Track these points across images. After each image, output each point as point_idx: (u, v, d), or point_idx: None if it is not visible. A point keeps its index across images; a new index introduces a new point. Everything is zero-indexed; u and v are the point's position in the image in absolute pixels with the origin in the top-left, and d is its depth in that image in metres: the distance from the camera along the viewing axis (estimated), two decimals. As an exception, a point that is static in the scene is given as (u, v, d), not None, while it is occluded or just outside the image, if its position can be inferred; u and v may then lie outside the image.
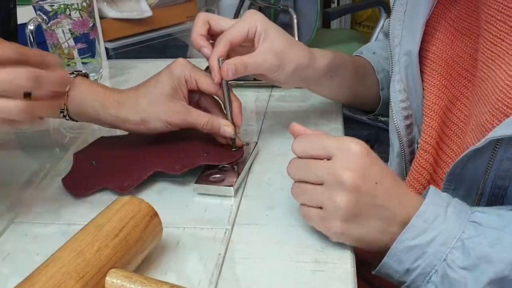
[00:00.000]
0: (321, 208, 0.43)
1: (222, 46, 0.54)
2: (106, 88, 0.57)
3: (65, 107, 0.56)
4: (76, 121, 0.58)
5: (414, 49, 0.54)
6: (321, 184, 0.43)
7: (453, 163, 0.46)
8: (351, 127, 0.69)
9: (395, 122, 0.57)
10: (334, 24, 2.65)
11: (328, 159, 0.43)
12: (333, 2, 2.61)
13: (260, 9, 2.00)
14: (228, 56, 0.55)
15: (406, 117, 0.57)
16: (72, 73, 0.56)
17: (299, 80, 0.60)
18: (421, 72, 0.56)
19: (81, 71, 0.58)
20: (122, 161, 0.57)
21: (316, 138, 0.45)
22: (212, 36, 0.57)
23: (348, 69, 0.65)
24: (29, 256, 0.45)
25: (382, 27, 1.99)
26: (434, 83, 0.54)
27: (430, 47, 0.55)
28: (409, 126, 0.57)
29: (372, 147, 1.90)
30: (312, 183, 0.44)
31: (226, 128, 0.56)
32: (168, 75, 0.55)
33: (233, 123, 0.56)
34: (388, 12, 2.01)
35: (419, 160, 0.56)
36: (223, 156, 0.56)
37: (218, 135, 0.57)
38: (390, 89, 0.58)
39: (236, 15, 2.10)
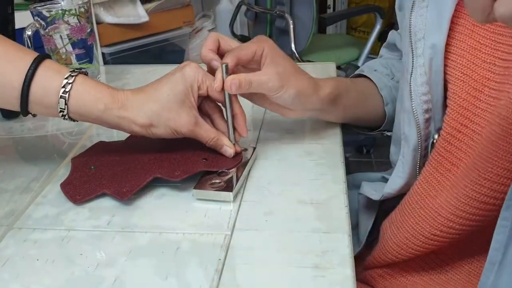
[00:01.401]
0: None
1: (229, 58, 0.56)
2: (110, 88, 0.56)
3: (65, 106, 0.54)
4: (75, 120, 0.56)
5: (439, 42, 0.55)
6: None
7: (481, 148, 0.46)
8: (347, 132, 0.70)
9: (415, 114, 0.57)
10: (330, 29, 2.67)
11: None
12: (329, 8, 2.63)
13: (256, 15, 2.01)
14: (234, 73, 0.56)
15: (426, 111, 0.57)
16: (73, 71, 0.54)
17: (303, 108, 0.61)
18: (444, 65, 0.56)
19: (81, 69, 0.57)
20: (121, 166, 0.57)
21: None
22: (221, 55, 0.59)
23: (351, 94, 0.66)
24: (29, 262, 0.45)
25: (378, 32, 2.01)
26: (455, 73, 0.55)
27: (450, 40, 0.55)
28: (427, 120, 0.58)
29: (368, 151, 1.91)
30: None
31: (228, 149, 0.57)
32: (182, 80, 0.55)
33: (233, 133, 0.58)
34: (384, 17, 2.03)
35: (438, 149, 0.56)
36: (222, 162, 0.57)
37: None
38: (411, 83, 0.57)
39: (233, 20, 2.11)
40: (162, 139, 0.57)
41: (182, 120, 0.55)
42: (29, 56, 0.53)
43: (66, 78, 0.53)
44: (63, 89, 0.53)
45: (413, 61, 0.57)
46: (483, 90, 0.52)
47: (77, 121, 0.56)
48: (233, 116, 0.57)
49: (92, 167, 0.58)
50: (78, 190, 0.54)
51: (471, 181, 0.51)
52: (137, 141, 0.62)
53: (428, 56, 0.56)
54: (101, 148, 0.62)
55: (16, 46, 0.55)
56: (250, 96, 0.61)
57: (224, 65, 0.55)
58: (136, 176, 0.55)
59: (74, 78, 0.54)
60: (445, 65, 0.56)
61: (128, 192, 0.53)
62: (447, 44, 0.56)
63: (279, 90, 0.57)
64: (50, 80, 0.53)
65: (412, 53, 0.58)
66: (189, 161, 0.57)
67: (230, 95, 0.56)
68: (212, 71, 0.57)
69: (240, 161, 0.57)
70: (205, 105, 0.59)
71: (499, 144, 0.48)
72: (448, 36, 0.55)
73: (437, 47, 0.55)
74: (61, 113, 0.54)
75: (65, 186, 0.56)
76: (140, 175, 0.55)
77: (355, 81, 0.71)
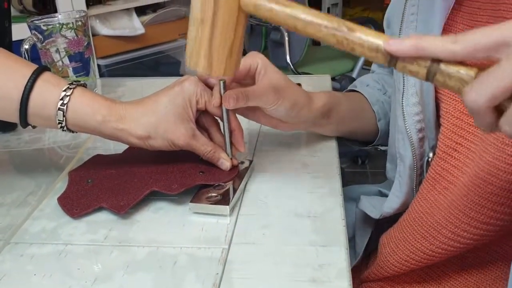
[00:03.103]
0: None
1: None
2: (109, 100, 0.56)
3: (64, 118, 0.54)
4: (73, 131, 0.57)
5: None
6: None
7: (478, 168, 0.46)
8: (342, 143, 0.70)
9: (409, 134, 0.58)
10: (325, 41, 2.68)
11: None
12: (324, 20, 2.64)
13: (252, 27, 2.03)
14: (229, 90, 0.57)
15: (420, 130, 0.58)
16: (72, 83, 0.55)
17: (296, 121, 0.62)
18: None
19: (79, 81, 0.58)
20: (118, 179, 0.58)
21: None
22: None
23: (344, 108, 0.67)
24: (26, 277, 0.45)
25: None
26: (449, 94, 0.55)
27: None
28: (421, 139, 0.58)
29: (363, 162, 1.92)
30: None
31: (224, 162, 0.58)
32: (180, 93, 0.55)
33: (230, 147, 0.58)
34: (378, 30, 2.05)
35: (435, 167, 0.56)
36: (218, 175, 0.57)
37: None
38: (404, 104, 0.58)
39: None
40: (159, 152, 0.57)
41: (179, 132, 0.55)
42: (28, 68, 0.54)
43: (64, 90, 0.54)
44: (61, 101, 0.53)
45: (404, 81, 0.58)
46: None
47: (76, 132, 0.57)
48: (230, 131, 0.58)
49: (89, 181, 0.58)
50: (75, 204, 0.54)
51: (471, 201, 0.51)
52: (134, 154, 0.62)
53: None
54: (98, 162, 0.63)
55: (15, 58, 0.56)
56: (245, 113, 0.61)
57: (221, 82, 0.55)
58: (133, 189, 0.55)
59: (72, 91, 0.54)
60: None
61: (125, 206, 0.53)
62: None
63: (274, 103, 0.58)
64: (49, 92, 0.54)
65: (404, 74, 0.58)
66: (186, 174, 0.57)
67: (227, 110, 0.57)
68: (209, 88, 0.58)
69: (236, 174, 0.57)
70: (203, 119, 0.59)
71: (496, 165, 0.48)
72: None
73: None
74: (60, 124, 0.55)
75: (63, 200, 0.56)
76: (137, 189, 0.55)
77: (348, 96, 0.71)
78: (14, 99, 0.53)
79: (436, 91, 0.56)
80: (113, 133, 0.55)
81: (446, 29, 0.55)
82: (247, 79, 0.59)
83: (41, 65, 0.55)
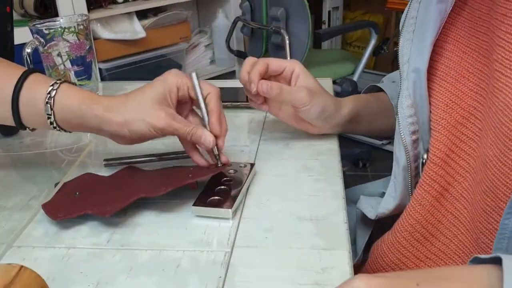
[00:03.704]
0: None
1: (260, 62, 0.63)
2: (93, 93, 0.58)
3: (52, 112, 0.55)
4: (65, 131, 0.58)
5: (422, 66, 0.56)
6: None
7: (471, 177, 0.46)
8: (344, 146, 0.71)
9: (402, 136, 0.58)
10: (325, 44, 2.69)
11: None
12: (324, 23, 2.65)
13: (252, 30, 2.03)
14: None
15: (413, 132, 0.58)
16: (59, 79, 0.57)
17: (326, 124, 0.66)
18: (429, 88, 0.57)
19: (65, 80, 0.58)
20: (106, 192, 0.57)
21: None
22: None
23: (372, 110, 0.70)
24: (28, 281, 0.45)
25: (373, 47, 2.03)
26: (443, 99, 0.56)
27: (438, 66, 0.56)
28: (415, 141, 0.59)
29: (364, 165, 1.93)
30: None
31: (207, 136, 0.56)
32: (161, 82, 0.57)
33: (219, 156, 0.58)
34: (378, 33, 2.05)
35: (428, 172, 0.57)
36: (206, 170, 0.57)
37: (200, 144, 0.57)
38: (398, 105, 0.59)
39: (229, 36, 2.13)
40: (149, 173, 0.57)
41: (160, 115, 0.55)
42: (19, 71, 0.57)
43: (52, 85, 0.56)
44: (49, 95, 0.55)
45: (400, 84, 0.59)
46: (469, 119, 0.53)
47: (66, 131, 0.58)
48: (209, 119, 0.57)
49: (77, 193, 0.57)
50: (60, 210, 0.54)
51: (475, 212, 0.51)
52: (123, 175, 0.61)
53: (411, 80, 0.57)
54: (88, 178, 0.61)
55: (6, 63, 0.59)
56: (279, 114, 0.66)
57: (194, 73, 0.56)
58: (121, 197, 0.54)
59: (59, 85, 0.56)
60: (431, 89, 0.57)
61: (111, 210, 0.52)
62: (435, 69, 0.57)
63: (306, 104, 0.62)
64: (37, 89, 0.56)
65: (400, 76, 0.59)
66: (173, 177, 0.56)
67: (205, 103, 0.57)
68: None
69: (225, 167, 0.58)
70: (191, 119, 0.60)
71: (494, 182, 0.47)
72: (435, 61, 0.57)
73: (420, 71, 0.56)
74: (49, 119, 0.56)
75: (48, 206, 0.55)
76: (124, 196, 0.54)
77: (377, 96, 0.74)
78: (7, 101, 0.56)
79: (430, 96, 0.57)
80: (96, 122, 0.56)
81: (447, 34, 0.55)
82: (281, 80, 0.64)
83: (32, 68, 0.57)
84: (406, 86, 0.58)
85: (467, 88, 0.54)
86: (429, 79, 0.57)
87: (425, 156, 0.58)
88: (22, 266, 0.38)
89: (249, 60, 0.65)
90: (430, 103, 0.57)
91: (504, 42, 0.47)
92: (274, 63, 0.64)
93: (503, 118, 0.46)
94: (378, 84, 0.75)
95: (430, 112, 0.57)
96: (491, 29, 0.49)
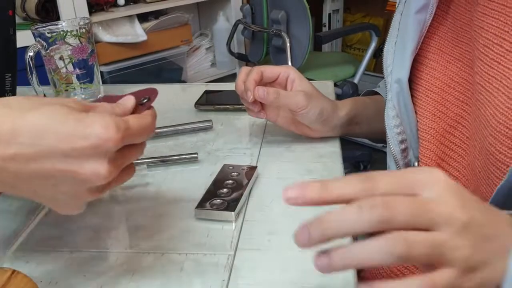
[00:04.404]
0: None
1: (255, 70, 0.63)
2: None
3: None
4: None
5: (403, 77, 0.57)
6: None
7: (463, 184, 0.47)
8: (345, 148, 0.71)
9: (391, 147, 0.59)
10: (326, 47, 2.69)
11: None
12: (325, 26, 2.66)
13: (253, 33, 2.03)
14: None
15: (401, 142, 0.59)
16: None
17: (324, 127, 0.66)
18: (415, 98, 0.58)
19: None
20: None
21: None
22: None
23: (370, 112, 0.70)
24: (32, 284, 0.45)
25: (373, 50, 2.03)
26: (428, 109, 0.56)
27: (423, 75, 0.57)
28: (404, 150, 0.59)
29: (365, 167, 1.92)
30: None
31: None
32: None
33: None
34: (379, 35, 2.05)
35: None
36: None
37: None
38: (385, 116, 0.60)
39: (230, 38, 2.13)
40: None
41: None
42: None
43: None
44: None
45: (386, 95, 0.60)
46: (457, 127, 0.53)
47: None
48: None
49: None
50: None
51: None
52: None
53: (395, 91, 0.58)
54: None
55: None
56: (277, 119, 0.66)
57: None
58: None
59: None
60: (417, 99, 0.57)
61: None
62: (419, 79, 0.57)
63: (304, 107, 0.62)
64: None
65: (386, 87, 0.60)
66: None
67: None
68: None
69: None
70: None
71: (484, 194, 0.47)
72: (419, 70, 0.57)
73: (402, 82, 0.57)
74: None
75: None
76: None
77: (373, 98, 0.74)
78: None
79: (416, 106, 0.57)
80: None
81: (429, 44, 0.56)
82: (277, 86, 0.64)
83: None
84: (391, 97, 0.59)
85: (453, 97, 0.54)
86: (414, 89, 0.58)
87: (415, 164, 0.59)
88: (14, 270, 0.38)
89: (243, 69, 0.65)
90: (416, 113, 0.58)
91: (483, 55, 0.47)
92: (268, 70, 0.64)
93: (485, 131, 0.46)
94: (374, 89, 0.76)
95: (417, 121, 0.57)
96: (472, 40, 0.50)
